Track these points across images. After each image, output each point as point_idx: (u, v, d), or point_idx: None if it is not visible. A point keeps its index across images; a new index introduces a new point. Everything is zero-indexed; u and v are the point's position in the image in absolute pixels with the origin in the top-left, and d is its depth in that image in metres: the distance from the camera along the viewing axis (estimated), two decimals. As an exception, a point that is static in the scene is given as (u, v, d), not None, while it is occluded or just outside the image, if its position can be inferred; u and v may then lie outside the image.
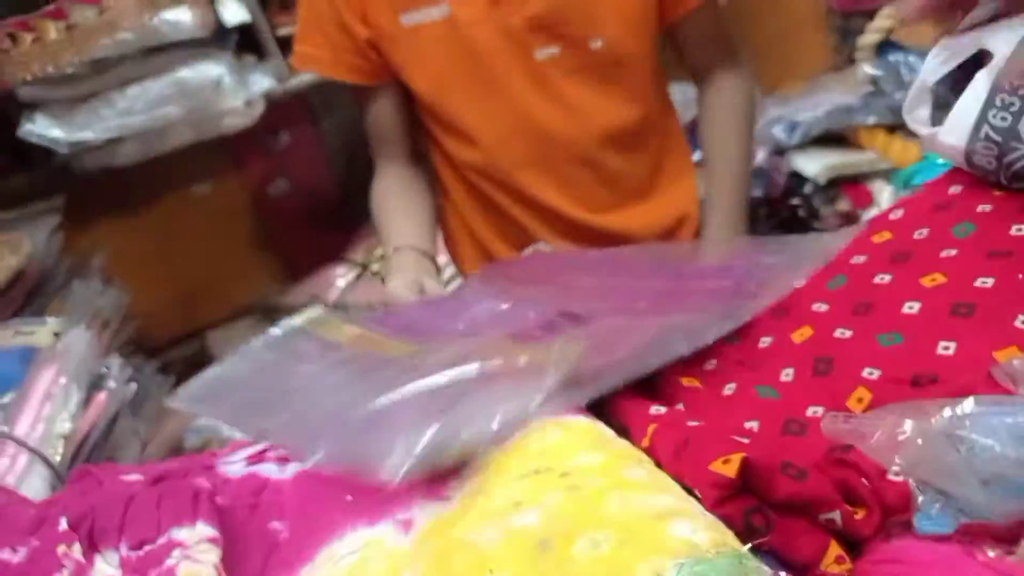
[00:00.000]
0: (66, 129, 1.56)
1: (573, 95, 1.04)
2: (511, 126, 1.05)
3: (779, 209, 1.89)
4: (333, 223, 2.10)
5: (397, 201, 1.12)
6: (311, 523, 0.54)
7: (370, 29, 1.02)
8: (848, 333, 0.59)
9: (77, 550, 0.49)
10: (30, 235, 1.35)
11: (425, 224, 1.12)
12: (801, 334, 0.62)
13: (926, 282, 0.59)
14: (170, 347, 2.11)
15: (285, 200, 2.13)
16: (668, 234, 1.16)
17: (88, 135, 1.57)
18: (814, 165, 1.83)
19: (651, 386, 0.62)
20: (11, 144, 1.60)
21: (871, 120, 1.82)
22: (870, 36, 1.77)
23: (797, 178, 1.86)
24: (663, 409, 0.55)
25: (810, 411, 0.55)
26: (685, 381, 0.62)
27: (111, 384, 0.98)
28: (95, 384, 0.98)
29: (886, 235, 0.67)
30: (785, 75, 2.06)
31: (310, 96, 1.89)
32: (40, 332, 0.96)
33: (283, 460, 0.61)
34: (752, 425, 0.56)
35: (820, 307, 0.64)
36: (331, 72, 1.06)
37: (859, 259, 0.67)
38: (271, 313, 1.96)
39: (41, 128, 1.54)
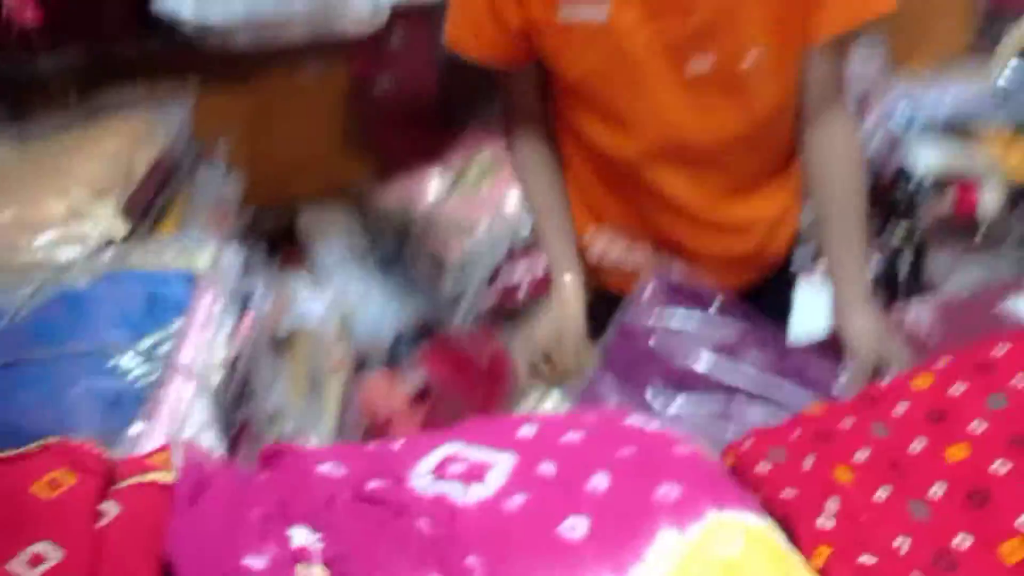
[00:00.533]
0: (195, 9, 1.55)
1: (719, 105, 1.04)
2: (651, 127, 1.06)
3: (879, 199, 1.87)
4: (433, 124, 2.10)
5: (552, 198, 1.19)
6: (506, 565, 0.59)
7: (523, 17, 1.00)
8: (1008, 466, 0.63)
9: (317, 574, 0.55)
10: (163, 121, 1.37)
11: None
12: (955, 453, 0.66)
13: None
14: (261, 215, 2.17)
15: (389, 97, 2.11)
16: (775, 223, 1.20)
17: (217, 18, 1.56)
18: (926, 159, 1.79)
19: (802, 471, 0.66)
20: (141, 14, 1.59)
21: (996, 122, 1.77)
22: (1012, 42, 1.69)
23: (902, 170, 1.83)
24: (830, 524, 0.60)
25: (956, 540, 0.60)
26: (839, 472, 0.66)
27: (258, 304, 1.04)
28: (244, 304, 1.04)
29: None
30: (918, 51, 1.98)
31: (432, 7, 1.84)
32: (201, 255, 1.00)
33: (466, 476, 0.66)
34: (901, 544, 0.60)
35: (979, 427, 0.67)
36: (480, 56, 1.08)
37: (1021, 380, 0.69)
38: (363, 206, 2.00)
39: (173, 4, 1.53)
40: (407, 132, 2.08)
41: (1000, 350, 0.73)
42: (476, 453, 0.66)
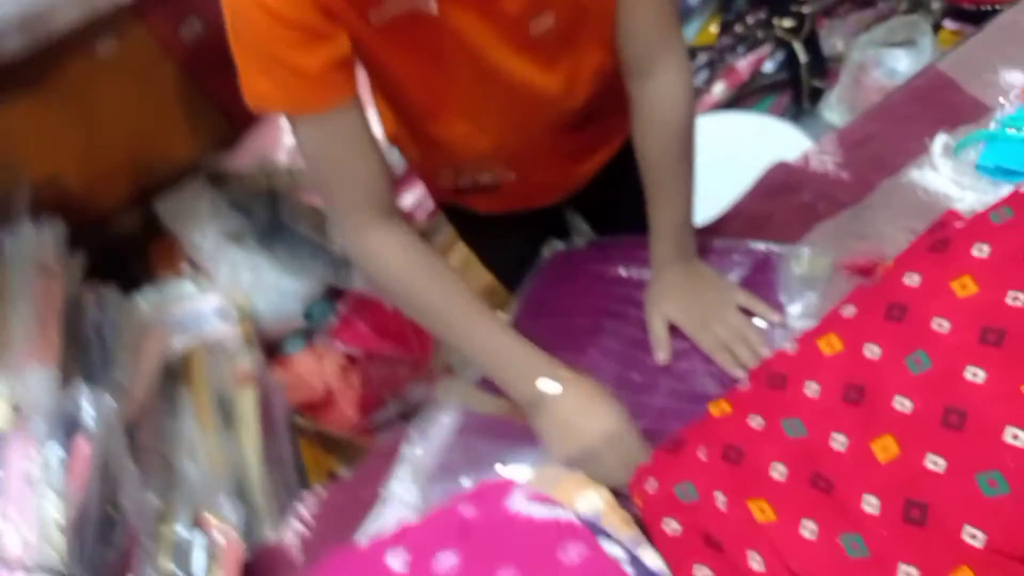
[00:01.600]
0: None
1: (565, 57, 0.85)
2: (504, 103, 0.87)
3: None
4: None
5: (475, 310, 0.85)
6: None
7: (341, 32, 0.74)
8: (942, 463, 0.52)
9: None
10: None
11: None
12: (883, 450, 0.54)
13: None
14: (118, 215, 1.94)
15: (202, 43, 1.82)
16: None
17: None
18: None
19: (716, 516, 0.55)
20: None
21: None
22: None
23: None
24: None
25: (902, 573, 0.50)
26: (756, 509, 0.55)
27: (88, 422, 0.87)
28: (71, 430, 0.86)
29: (971, 287, 0.57)
30: None
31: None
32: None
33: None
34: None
35: (903, 405, 0.55)
36: (300, 107, 0.75)
37: (942, 325, 0.57)
38: (220, 180, 1.78)
39: None
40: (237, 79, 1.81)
41: (911, 279, 0.60)
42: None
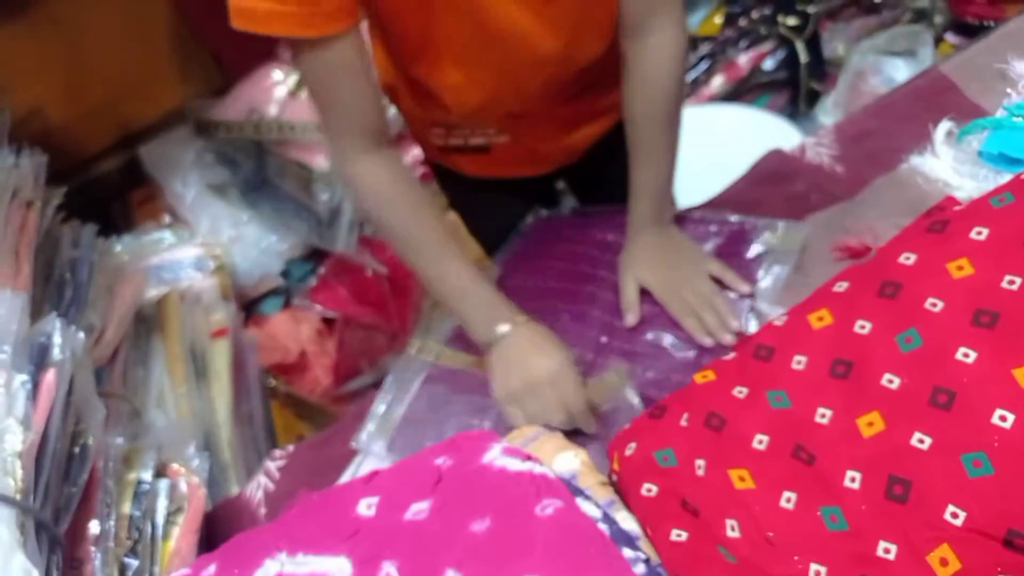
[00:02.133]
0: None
1: (564, 14, 0.83)
2: (499, 56, 0.85)
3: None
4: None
5: (436, 223, 0.87)
6: None
7: None
8: (928, 441, 0.51)
9: None
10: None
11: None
12: (868, 426, 0.53)
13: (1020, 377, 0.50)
14: (101, 158, 1.90)
15: (199, -12, 1.77)
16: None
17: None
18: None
19: (695, 481, 0.54)
20: None
21: None
22: None
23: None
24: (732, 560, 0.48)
25: (881, 548, 0.49)
26: (736, 476, 0.54)
27: (57, 354, 0.84)
28: (40, 361, 0.83)
29: (967, 268, 0.56)
30: None
31: None
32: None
33: None
34: (819, 570, 0.49)
35: (891, 382, 0.54)
36: (303, 31, 0.73)
37: (936, 304, 0.56)
38: (207, 128, 1.74)
39: None
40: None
41: (906, 258, 0.59)
42: (304, 566, 0.53)
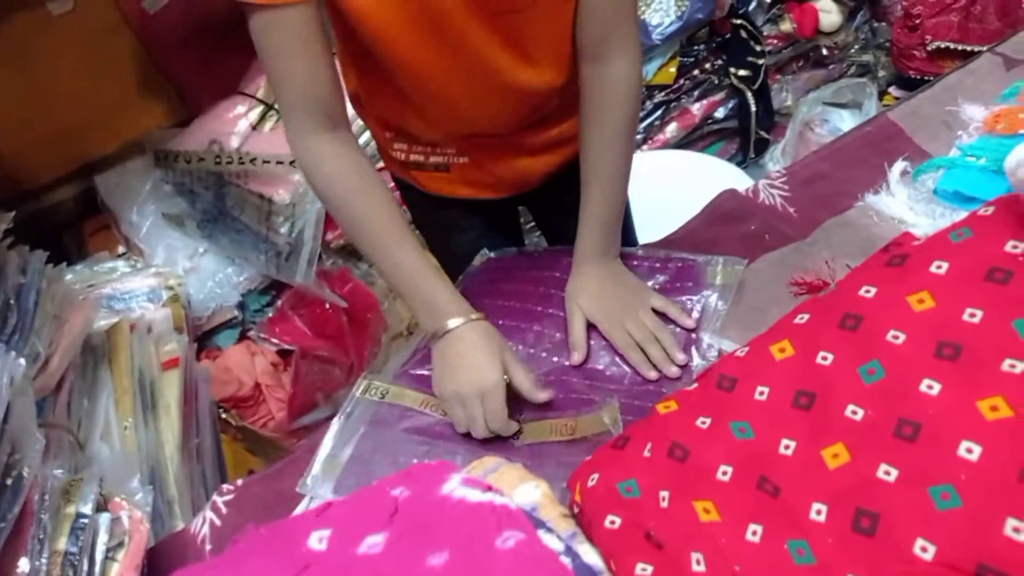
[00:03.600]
0: None
1: (526, 36, 0.83)
2: (464, 73, 0.84)
3: (720, 30, 1.68)
4: (227, 46, 1.76)
5: (398, 231, 0.84)
6: None
7: None
8: (894, 473, 0.49)
9: None
10: None
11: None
12: (832, 458, 0.52)
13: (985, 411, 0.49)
14: (55, 187, 1.83)
15: (165, 16, 1.74)
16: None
17: None
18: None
19: (659, 513, 0.52)
20: None
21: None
22: None
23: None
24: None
25: (849, 584, 0.47)
26: (701, 509, 0.52)
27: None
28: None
29: (928, 302, 0.55)
30: None
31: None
32: None
33: None
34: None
35: (855, 413, 0.53)
36: None
37: (897, 337, 0.55)
38: (166, 159, 1.69)
39: None
40: (201, 55, 1.72)
41: (866, 291, 0.58)
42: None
